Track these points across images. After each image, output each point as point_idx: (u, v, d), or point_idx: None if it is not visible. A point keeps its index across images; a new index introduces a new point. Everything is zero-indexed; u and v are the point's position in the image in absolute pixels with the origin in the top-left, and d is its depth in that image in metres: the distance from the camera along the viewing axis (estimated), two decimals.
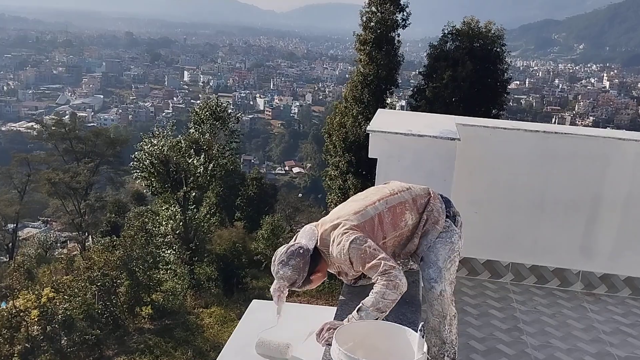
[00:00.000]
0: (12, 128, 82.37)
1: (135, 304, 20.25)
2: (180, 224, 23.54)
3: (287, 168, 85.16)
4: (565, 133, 4.58)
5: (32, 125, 61.96)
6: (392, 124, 4.20)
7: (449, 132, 4.01)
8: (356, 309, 2.62)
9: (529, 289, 4.64)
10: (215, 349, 19.36)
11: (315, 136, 76.96)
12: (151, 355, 18.44)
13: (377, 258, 2.59)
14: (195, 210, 24.54)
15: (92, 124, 71.55)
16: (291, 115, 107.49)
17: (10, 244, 33.74)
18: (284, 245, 2.80)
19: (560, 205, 4.61)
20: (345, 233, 2.65)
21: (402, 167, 4.01)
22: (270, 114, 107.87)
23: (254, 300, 4.32)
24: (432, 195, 2.93)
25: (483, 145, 4.56)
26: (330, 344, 2.57)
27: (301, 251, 2.70)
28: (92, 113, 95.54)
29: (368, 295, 2.61)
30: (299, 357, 2.88)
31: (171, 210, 23.67)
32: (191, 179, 23.74)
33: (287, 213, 36.33)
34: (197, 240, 24.11)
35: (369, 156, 4.05)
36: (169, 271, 23.30)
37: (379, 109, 5.09)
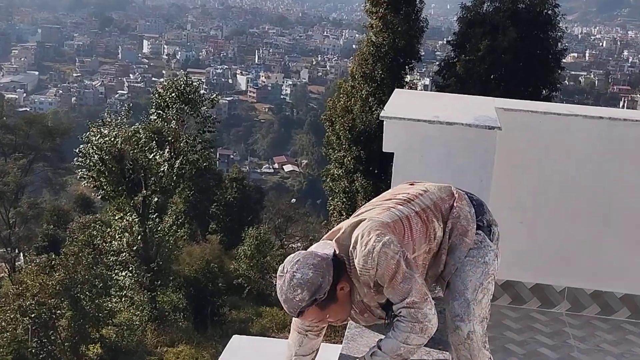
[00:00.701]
0: None
1: (80, 341, 20.24)
2: (139, 237, 23.56)
3: (276, 165, 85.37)
4: (638, 120, 4.58)
5: None
6: (413, 109, 4.21)
7: (486, 119, 4.02)
8: (370, 353, 2.61)
9: (590, 322, 4.63)
10: None
11: (314, 124, 77.07)
12: None
13: (409, 279, 2.52)
14: (157, 220, 24.57)
15: (24, 109, 71.63)
16: (282, 97, 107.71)
17: None
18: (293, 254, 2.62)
19: (631, 214, 4.61)
20: (376, 231, 2.54)
21: (427, 164, 4.02)
22: (254, 95, 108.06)
23: (234, 337, 4.34)
24: (457, 196, 2.86)
25: (531, 136, 4.56)
26: None
27: (320, 254, 2.55)
28: (24, 94, 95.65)
29: (385, 336, 2.60)
30: None
31: (127, 220, 23.67)
32: (153, 179, 23.77)
33: (276, 224, 36.38)
34: (160, 259, 24.14)
35: (384, 150, 4.05)
36: (123, 299, 23.32)
37: (395, 89, 5.09)
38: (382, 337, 2.64)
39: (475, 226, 2.82)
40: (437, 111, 4.11)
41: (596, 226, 4.66)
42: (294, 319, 2.72)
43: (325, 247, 2.62)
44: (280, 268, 2.54)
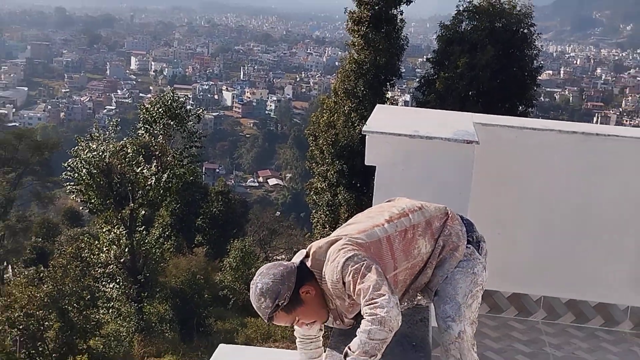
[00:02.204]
0: None
1: (68, 352, 20.08)
2: (126, 250, 23.44)
3: (261, 179, 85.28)
4: (610, 135, 4.62)
5: None
6: (394, 124, 4.23)
7: (465, 134, 4.05)
8: (343, 355, 2.64)
9: (565, 330, 4.66)
10: None
11: (297, 139, 77.10)
12: None
13: (368, 280, 2.58)
14: (144, 232, 24.45)
15: (13, 124, 71.17)
16: (266, 112, 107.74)
17: None
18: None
19: (605, 226, 4.65)
20: (343, 249, 2.66)
21: (407, 177, 4.04)
22: (240, 111, 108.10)
23: (220, 346, 4.33)
24: (450, 216, 2.96)
25: (508, 150, 4.60)
26: None
27: (285, 263, 2.73)
28: (14, 110, 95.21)
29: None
30: None
31: (114, 233, 23.56)
32: (140, 193, 23.69)
33: (261, 236, 36.34)
34: (147, 271, 24.03)
35: (366, 164, 4.07)
36: (111, 310, 23.16)
37: (377, 105, 5.13)
38: None
39: (465, 242, 2.94)
40: (417, 126, 4.13)
41: (571, 237, 4.70)
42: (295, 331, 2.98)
43: (299, 255, 2.81)
44: (251, 282, 2.72)
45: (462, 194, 3.94)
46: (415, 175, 4.01)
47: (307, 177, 32.48)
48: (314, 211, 23.64)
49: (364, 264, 2.61)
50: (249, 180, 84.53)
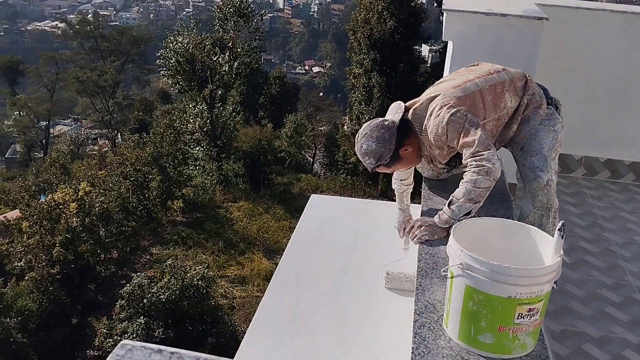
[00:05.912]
0: (37, 27, 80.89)
1: (167, 198, 20.32)
2: (207, 121, 23.23)
3: (307, 67, 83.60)
4: None
5: (57, 24, 60.81)
6: (468, 2, 3.64)
7: (533, 11, 3.46)
8: (447, 203, 2.25)
9: (602, 184, 4.22)
10: (244, 240, 19.56)
11: (335, 35, 75.01)
12: (184, 245, 18.68)
13: (473, 135, 2.22)
14: (221, 108, 24.11)
15: (114, 23, 69.83)
16: (310, 14, 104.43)
17: (44, 141, 33.85)
18: (367, 122, 2.43)
19: None
20: (446, 105, 2.29)
21: (479, 51, 3.48)
22: (289, 12, 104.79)
23: (313, 195, 3.98)
24: (529, 78, 2.57)
25: (563, 28, 4.00)
26: (422, 242, 2.25)
27: (386, 123, 2.34)
28: (114, 12, 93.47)
29: (457, 188, 2.26)
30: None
31: (198, 108, 23.29)
32: (216, 77, 23.17)
33: (308, 112, 35.81)
34: (224, 138, 23.88)
35: (443, 39, 3.54)
36: (197, 167, 23.25)
37: None
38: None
39: (546, 102, 2.55)
40: (488, 5, 3.54)
41: (611, 105, 4.18)
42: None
43: (396, 112, 2.39)
44: (356, 136, 2.38)
45: (529, 67, 3.40)
46: (487, 50, 3.47)
47: (343, 65, 31.56)
48: (352, 92, 22.98)
49: (466, 119, 2.24)
50: (297, 68, 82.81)
